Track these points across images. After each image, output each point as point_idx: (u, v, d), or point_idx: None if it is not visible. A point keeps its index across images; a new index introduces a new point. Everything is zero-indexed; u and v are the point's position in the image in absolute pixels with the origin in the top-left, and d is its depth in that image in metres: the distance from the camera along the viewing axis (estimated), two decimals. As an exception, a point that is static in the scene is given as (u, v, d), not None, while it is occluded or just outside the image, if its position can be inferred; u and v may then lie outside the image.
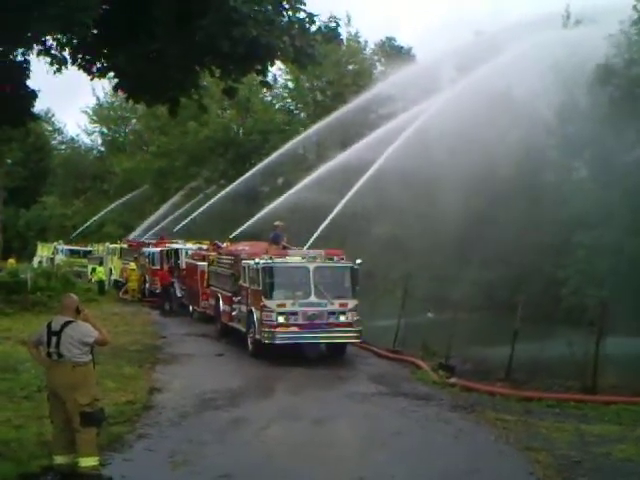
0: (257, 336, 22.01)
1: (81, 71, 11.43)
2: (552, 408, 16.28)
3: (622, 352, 21.30)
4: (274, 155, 39.83)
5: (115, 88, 12.09)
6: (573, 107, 30.75)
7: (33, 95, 11.72)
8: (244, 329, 23.49)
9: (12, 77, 11.28)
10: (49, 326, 10.55)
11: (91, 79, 11.54)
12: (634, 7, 36.06)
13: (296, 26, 10.70)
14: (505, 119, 29.29)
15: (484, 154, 28.21)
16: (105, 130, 77.93)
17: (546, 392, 17.66)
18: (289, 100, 54.88)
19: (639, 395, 16.88)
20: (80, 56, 11.13)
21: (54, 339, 10.41)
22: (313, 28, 11.01)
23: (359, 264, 22.33)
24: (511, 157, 28.10)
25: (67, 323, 10.51)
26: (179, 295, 34.47)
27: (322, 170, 32.07)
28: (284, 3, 10.76)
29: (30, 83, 11.63)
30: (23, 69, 11.38)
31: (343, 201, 28.23)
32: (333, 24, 11.31)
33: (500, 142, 28.56)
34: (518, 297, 25.77)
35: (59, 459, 10.55)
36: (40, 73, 11.83)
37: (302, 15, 10.85)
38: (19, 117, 12.17)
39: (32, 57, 11.20)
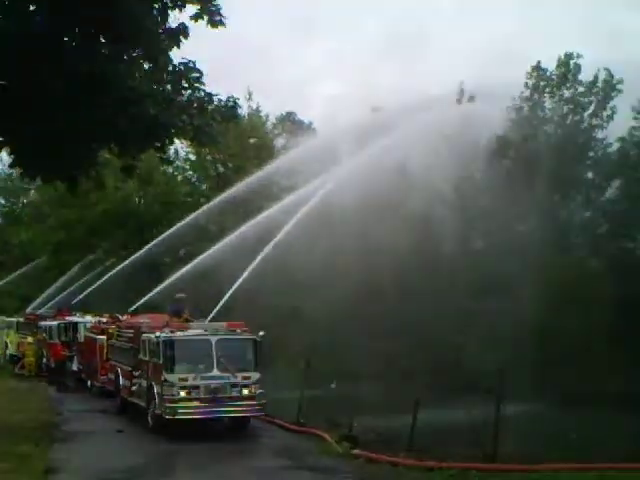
0: (158, 411, 21.60)
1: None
2: (454, 478, 16.43)
3: (522, 417, 21.73)
4: (176, 226, 39.63)
5: (11, 165, 11.94)
6: (469, 180, 31.85)
7: None
8: (145, 404, 23.02)
9: None
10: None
11: (-15, 153, 11.38)
12: (525, 84, 38.01)
13: (195, 105, 10.84)
14: (403, 193, 30.06)
15: (383, 227, 28.83)
16: (2, 201, 76.14)
17: (448, 461, 17.79)
18: (191, 172, 54.99)
19: (539, 463, 17.20)
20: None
21: None
22: (212, 107, 11.17)
23: (262, 336, 22.31)
24: (411, 229, 28.76)
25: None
26: (75, 369, 33.55)
27: (225, 241, 32.06)
28: (183, 82, 10.90)
29: None
30: None
31: (245, 274, 28.19)
32: (231, 104, 11.50)
33: (399, 215, 29.26)
34: (419, 365, 26.24)
35: None
36: None
37: (201, 94, 11.01)
38: None
39: None
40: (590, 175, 37.62)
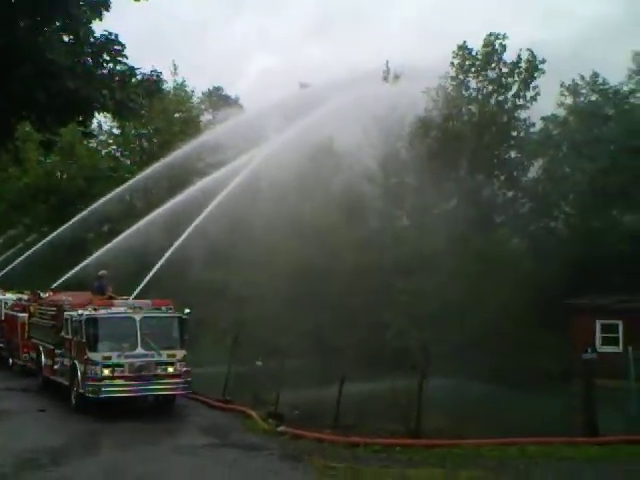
0: (81, 390, 21.29)
1: None
2: (379, 453, 16.61)
3: (444, 394, 22.09)
4: (100, 202, 38.95)
5: None
6: (395, 158, 32.05)
7: None
8: (68, 383, 22.65)
9: None
10: None
11: None
12: (451, 63, 38.30)
13: (117, 79, 10.57)
14: (329, 170, 30.11)
15: (310, 203, 28.86)
16: None
17: (372, 437, 17.99)
18: (115, 147, 53.99)
19: (461, 438, 17.52)
20: None
21: None
22: (134, 81, 10.92)
23: (188, 314, 22.17)
24: (337, 206, 28.86)
25: None
26: None
27: (150, 217, 31.65)
28: (105, 55, 10.61)
29: None
30: None
31: (172, 249, 27.93)
32: (155, 78, 11.26)
33: (326, 192, 29.30)
34: (345, 342, 26.41)
35: None
36: None
37: (123, 68, 10.75)
38: None
39: None
40: (513, 155, 38.22)
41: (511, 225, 35.53)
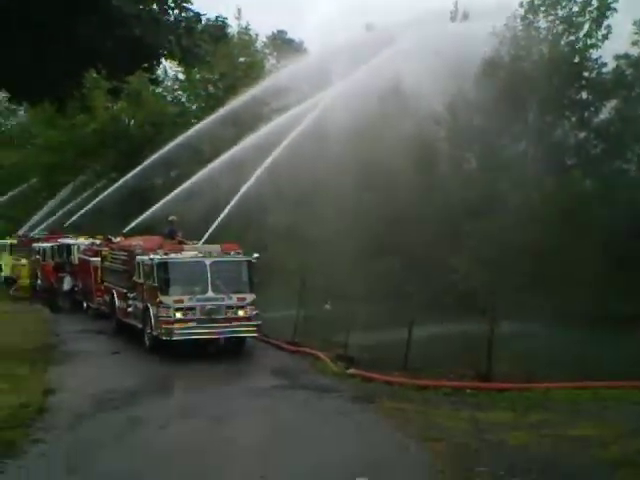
0: (154, 332, 21.80)
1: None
2: (448, 396, 16.67)
3: (514, 337, 21.90)
4: (167, 147, 39.23)
5: (-3, 88, 11.65)
6: (462, 100, 31.44)
7: None
8: (140, 325, 23.21)
9: None
10: None
11: (-31, 77, 11.07)
12: (520, 3, 37.17)
13: (183, 26, 10.50)
14: (396, 112, 29.68)
15: (377, 147, 28.58)
16: (-10, 123, 75.10)
17: (442, 380, 18.03)
18: (180, 92, 54.17)
19: (532, 381, 17.42)
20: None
21: None
22: (200, 27, 10.84)
23: (256, 258, 22.40)
24: (403, 150, 28.50)
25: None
26: (66, 290, 33.67)
27: (217, 162, 31.79)
28: (170, 2, 10.53)
29: None
30: None
31: (239, 194, 28.04)
32: (220, 23, 11.15)
33: (393, 135, 28.95)
34: (413, 286, 26.32)
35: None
36: None
37: (189, 15, 10.67)
38: None
39: None
40: (584, 95, 37.16)
41: (582, 167, 34.67)
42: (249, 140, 30.97)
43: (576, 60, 35.89)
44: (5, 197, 62.08)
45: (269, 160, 28.20)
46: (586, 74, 35.89)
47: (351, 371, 19.21)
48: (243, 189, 28.03)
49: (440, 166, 32.28)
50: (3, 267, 45.02)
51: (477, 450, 12.07)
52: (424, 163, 30.20)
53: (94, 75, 33.43)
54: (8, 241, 46.73)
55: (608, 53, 34.82)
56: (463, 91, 31.81)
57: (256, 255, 22.41)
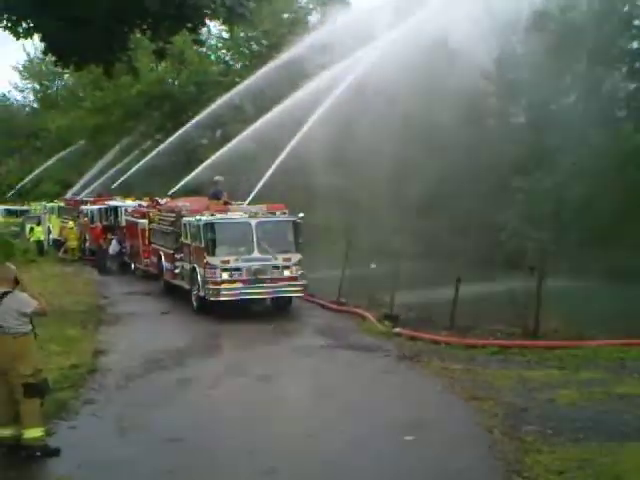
0: (201, 293, 21.95)
1: (7, 32, 11.00)
2: (496, 355, 16.47)
3: (563, 295, 21.61)
4: (211, 107, 39.20)
5: (44, 52, 11.69)
6: (510, 53, 30.81)
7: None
8: (188, 286, 23.38)
9: None
10: (-14, 298, 10.25)
11: (17, 39, 11.11)
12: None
13: (227, -16, 10.39)
14: (442, 66, 29.18)
15: (424, 103, 28.16)
16: (37, 86, 75.79)
17: (489, 339, 17.86)
18: (224, 51, 53.99)
19: (580, 339, 17.17)
20: (5, 16, 10.71)
21: None
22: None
23: (301, 218, 22.33)
24: (450, 104, 28.07)
25: (5, 294, 10.24)
26: (113, 253, 34.07)
27: (261, 122, 31.66)
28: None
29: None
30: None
31: (283, 154, 27.91)
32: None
33: (439, 89, 28.50)
34: (459, 244, 26.07)
35: (3, 432, 10.34)
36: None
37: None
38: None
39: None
40: (635, 45, 36.17)
41: (633, 120, 33.86)
42: (293, 98, 30.73)
43: (626, 9, 34.92)
44: (53, 160, 62.83)
45: (314, 118, 27.96)
46: (636, 22, 34.90)
47: (397, 330, 19.11)
48: (287, 149, 27.87)
49: (488, 121, 31.77)
50: (52, 230, 45.68)
51: (525, 409, 11.94)
52: (472, 119, 29.74)
53: (137, 35, 33.38)
54: (56, 204, 47.32)
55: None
56: (511, 44, 31.15)
57: (301, 215, 22.34)
